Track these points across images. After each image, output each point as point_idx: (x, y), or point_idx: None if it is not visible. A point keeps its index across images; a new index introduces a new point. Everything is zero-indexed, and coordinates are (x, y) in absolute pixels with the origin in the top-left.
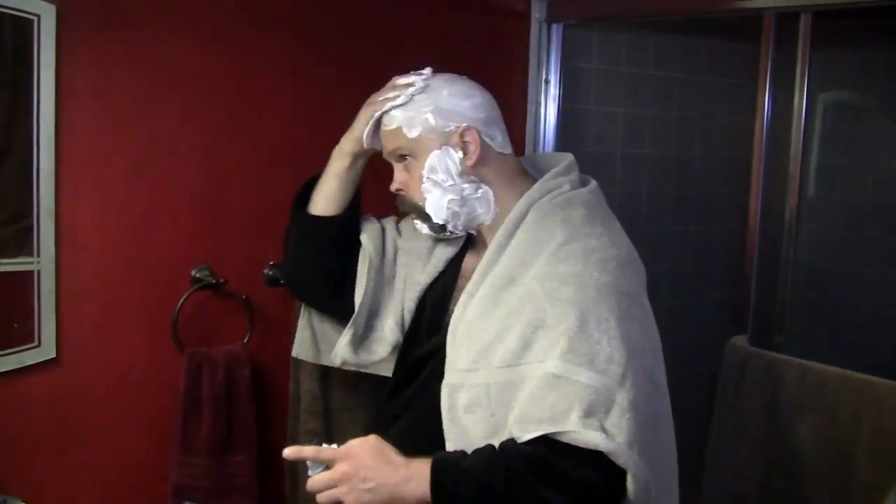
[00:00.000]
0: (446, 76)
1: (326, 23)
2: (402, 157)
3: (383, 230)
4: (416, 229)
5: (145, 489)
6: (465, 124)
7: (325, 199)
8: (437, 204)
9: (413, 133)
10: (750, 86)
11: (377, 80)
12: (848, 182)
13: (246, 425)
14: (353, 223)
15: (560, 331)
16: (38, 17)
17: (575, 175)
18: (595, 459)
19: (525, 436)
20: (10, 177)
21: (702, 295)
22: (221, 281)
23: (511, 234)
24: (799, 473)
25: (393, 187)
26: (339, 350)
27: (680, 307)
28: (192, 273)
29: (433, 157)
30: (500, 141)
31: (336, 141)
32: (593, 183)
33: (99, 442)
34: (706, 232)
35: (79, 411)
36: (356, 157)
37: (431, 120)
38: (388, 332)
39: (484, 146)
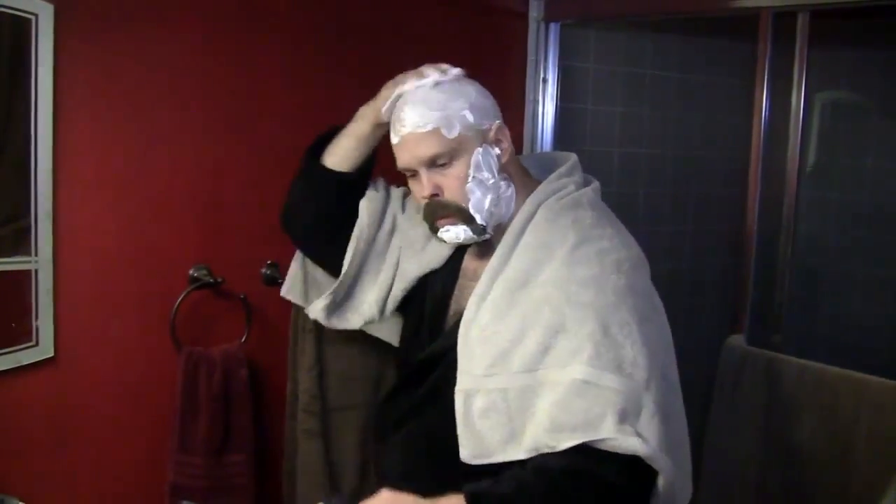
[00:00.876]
0: (454, 71)
1: (325, 22)
2: (436, 163)
3: (387, 200)
4: (416, 213)
5: (143, 488)
6: (497, 122)
7: (339, 155)
8: (481, 204)
9: (453, 133)
10: (747, 85)
11: (376, 79)
12: (845, 182)
13: (243, 425)
14: (360, 184)
15: (583, 336)
16: (36, 15)
17: (579, 175)
18: (631, 463)
19: (561, 444)
20: (8, 176)
21: (699, 294)
22: (219, 280)
23: (519, 236)
24: (797, 472)
25: (426, 193)
26: (313, 311)
27: (677, 307)
28: (190, 272)
29: (477, 155)
30: (510, 139)
31: None
32: (595, 183)
33: (96, 441)
34: (703, 231)
35: (76, 410)
36: (375, 125)
37: (470, 117)
38: (367, 306)
39: (509, 144)
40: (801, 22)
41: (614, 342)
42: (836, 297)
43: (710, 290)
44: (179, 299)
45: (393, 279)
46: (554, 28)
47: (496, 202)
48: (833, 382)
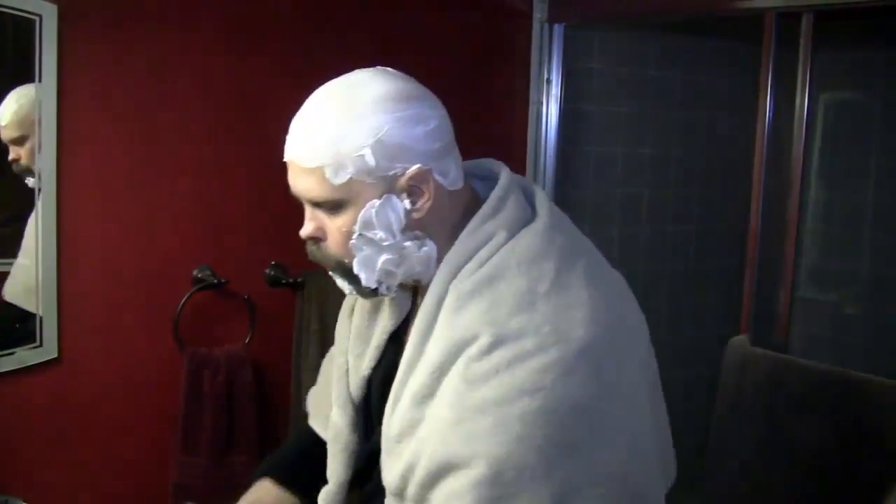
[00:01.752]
0: (389, 83)
1: (327, 22)
2: (319, 206)
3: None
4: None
5: (146, 489)
6: (417, 166)
7: None
8: (369, 265)
9: (341, 178)
10: (751, 86)
11: None
12: (849, 182)
13: (247, 425)
14: None
15: (468, 482)
16: (40, 17)
17: (513, 208)
18: None
19: None
20: (12, 175)
21: (703, 294)
22: (223, 281)
23: (432, 322)
24: (800, 474)
25: (304, 234)
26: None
27: (681, 307)
28: (194, 273)
29: (370, 211)
30: (453, 175)
31: None
32: (544, 208)
33: (100, 442)
34: (707, 232)
35: (80, 411)
36: None
37: (370, 160)
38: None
39: (436, 191)
40: (806, 22)
41: (505, 494)
42: (839, 298)
43: (713, 290)
44: (183, 300)
45: (348, 378)
46: (558, 29)
47: (398, 263)
48: (836, 383)
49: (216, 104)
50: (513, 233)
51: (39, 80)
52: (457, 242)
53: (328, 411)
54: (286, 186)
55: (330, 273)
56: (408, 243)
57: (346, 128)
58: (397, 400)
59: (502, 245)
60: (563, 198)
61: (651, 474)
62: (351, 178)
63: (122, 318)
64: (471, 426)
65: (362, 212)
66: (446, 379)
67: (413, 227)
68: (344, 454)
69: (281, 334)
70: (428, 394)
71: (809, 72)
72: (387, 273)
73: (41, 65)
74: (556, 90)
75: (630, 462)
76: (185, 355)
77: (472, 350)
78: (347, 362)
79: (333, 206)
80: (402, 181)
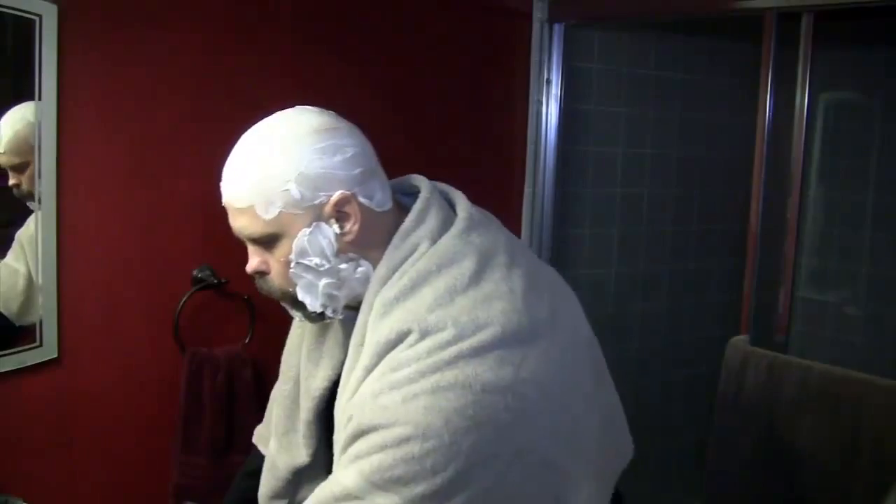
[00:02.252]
0: (304, 119)
1: (327, 22)
2: (257, 242)
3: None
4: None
5: (146, 489)
6: (339, 192)
7: None
8: (311, 291)
9: (271, 213)
10: (751, 86)
11: (380, 80)
12: (849, 182)
13: (247, 425)
14: None
15: (375, 442)
16: (40, 17)
17: (434, 218)
18: None
19: None
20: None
21: (703, 295)
22: (223, 281)
23: (364, 332)
24: (800, 474)
25: (249, 269)
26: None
27: (681, 307)
28: (194, 273)
29: (302, 239)
30: (379, 197)
31: None
32: (463, 212)
33: (100, 442)
34: (707, 231)
35: (80, 411)
36: None
37: (296, 192)
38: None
39: (364, 213)
40: (806, 22)
41: (408, 457)
42: (839, 298)
43: (713, 290)
44: (183, 300)
45: (301, 403)
46: (558, 29)
47: (338, 286)
48: (836, 383)
49: (217, 104)
50: (434, 241)
51: (39, 81)
52: (384, 258)
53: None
54: None
55: (281, 303)
56: (343, 266)
57: (270, 166)
58: (339, 410)
59: (421, 259)
60: (563, 198)
61: (579, 456)
62: (280, 211)
63: (123, 318)
64: (385, 399)
65: (295, 241)
66: (372, 374)
67: (346, 250)
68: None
69: (281, 334)
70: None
71: (809, 72)
72: (329, 297)
73: (41, 65)
74: (556, 90)
75: (551, 444)
76: (185, 355)
77: (400, 346)
78: (296, 389)
79: (269, 239)
80: (328, 208)
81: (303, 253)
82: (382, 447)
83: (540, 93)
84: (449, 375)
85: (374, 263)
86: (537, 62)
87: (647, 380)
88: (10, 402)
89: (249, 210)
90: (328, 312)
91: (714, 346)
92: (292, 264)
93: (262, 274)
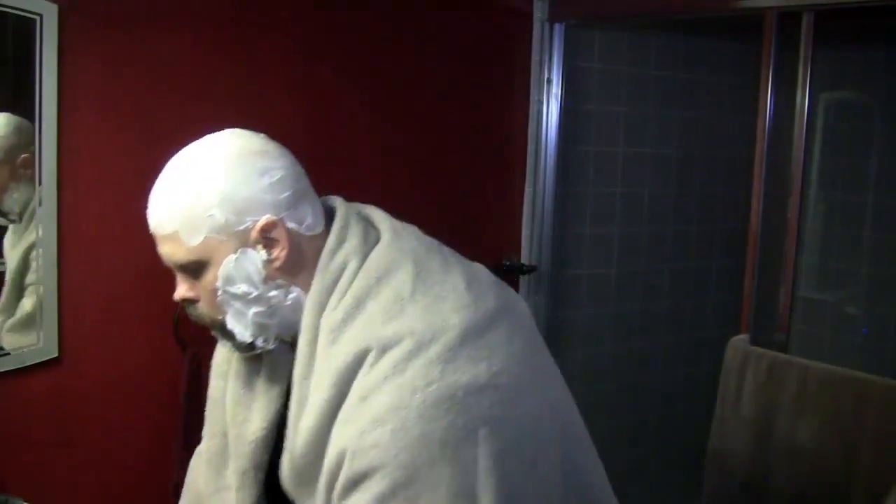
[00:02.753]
0: (231, 143)
1: (328, 23)
2: (185, 269)
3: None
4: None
5: (147, 488)
6: (265, 217)
7: None
8: (241, 320)
9: (196, 239)
10: (752, 85)
11: (379, 80)
12: (850, 181)
13: None
14: None
15: (378, 491)
16: (41, 16)
17: (357, 236)
18: None
19: None
20: None
21: (703, 294)
22: None
23: (309, 363)
24: (800, 473)
25: (177, 297)
26: None
27: (681, 306)
28: None
29: (228, 266)
30: (310, 221)
31: (333, 144)
32: (384, 224)
33: (101, 441)
34: (708, 231)
35: (81, 411)
36: None
37: (219, 217)
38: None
39: (293, 238)
40: (806, 22)
41: (416, 494)
42: (840, 297)
43: (714, 289)
44: None
45: (235, 448)
46: (558, 28)
47: (269, 314)
48: (837, 382)
49: (217, 103)
50: (364, 256)
51: (40, 80)
52: (314, 281)
53: None
54: None
55: (212, 332)
56: (273, 293)
57: (194, 191)
58: (292, 448)
59: (358, 269)
60: (564, 197)
61: (564, 422)
62: (206, 237)
63: (123, 318)
64: (373, 437)
65: (221, 268)
66: (346, 403)
67: (275, 276)
68: None
69: None
70: (325, 426)
71: (810, 71)
72: (260, 326)
73: (41, 64)
74: (556, 89)
75: (544, 425)
76: (185, 354)
77: (362, 369)
78: (223, 442)
79: (196, 266)
80: (255, 234)
81: (229, 280)
82: (386, 496)
83: (540, 92)
84: (430, 393)
85: (306, 289)
86: (538, 62)
87: (648, 378)
88: (11, 402)
89: (174, 236)
90: (259, 342)
91: (714, 346)
92: (219, 292)
93: (191, 301)
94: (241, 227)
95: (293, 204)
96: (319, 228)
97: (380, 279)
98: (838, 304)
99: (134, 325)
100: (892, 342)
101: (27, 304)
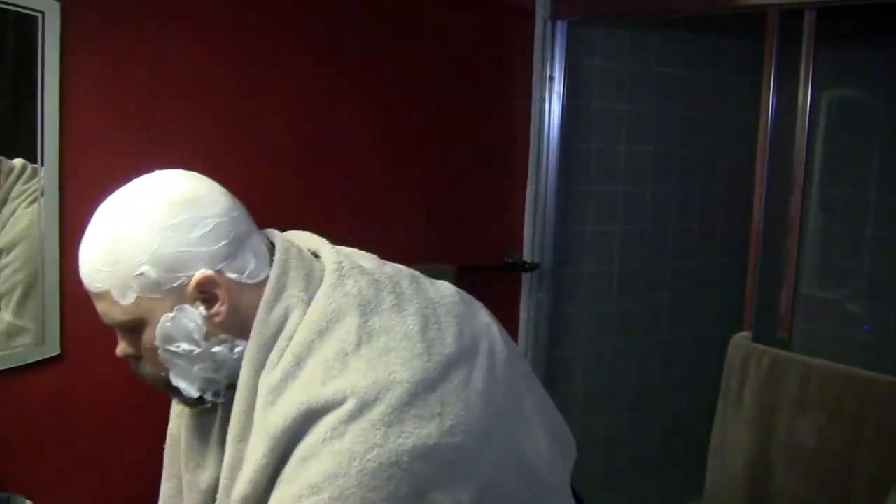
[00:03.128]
0: (159, 192)
1: (330, 21)
2: (122, 328)
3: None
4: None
5: (149, 486)
6: (200, 272)
7: None
8: (185, 376)
9: (128, 298)
10: (754, 83)
11: (381, 78)
12: (852, 179)
13: None
14: None
15: None
16: (43, 13)
17: (297, 278)
18: None
19: None
20: None
21: (705, 292)
22: None
23: (247, 425)
24: (802, 471)
25: (119, 354)
26: None
27: (683, 304)
28: None
29: (165, 325)
30: (252, 268)
31: (335, 141)
32: (329, 259)
33: (103, 439)
34: (710, 229)
35: (83, 408)
36: None
37: (152, 274)
38: None
39: (232, 291)
40: (808, 20)
41: None
42: (842, 295)
43: (716, 287)
44: None
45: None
46: (561, 26)
47: (216, 368)
48: (839, 380)
49: (218, 102)
50: (307, 303)
51: (42, 77)
52: (251, 338)
53: None
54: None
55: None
56: (217, 349)
57: (123, 249)
58: None
59: (299, 321)
60: (566, 195)
61: (533, 481)
62: (138, 296)
63: None
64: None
65: (158, 328)
66: (286, 467)
67: (216, 332)
68: None
69: None
70: (262, 491)
71: (812, 69)
72: (207, 381)
73: (44, 62)
74: (558, 87)
75: (504, 479)
76: None
77: (305, 432)
78: (180, 484)
79: (132, 326)
80: (190, 290)
81: (168, 339)
82: None
83: (543, 90)
84: (370, 459)
85: None
86: (540, 59)
87: (650, 376)
88: (13, 400)
89: (106, 295)
90: (208, 396)
91: (716, 343)
92: (159, 350)
93: (135, 357)
94: (175, 284)
95: (231, 253)
96: (264, 274)
97: (321, 332)
98: (840, 302)
99: None
100: (895, 340)
101: None
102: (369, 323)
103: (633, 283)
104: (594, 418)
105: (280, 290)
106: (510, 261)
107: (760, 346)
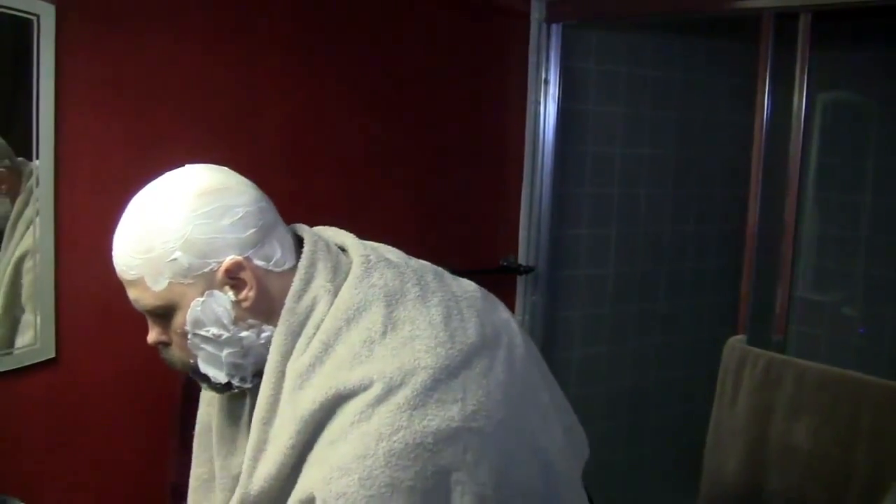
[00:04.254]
0: (189, 182)
1: (325, 21)
2: (154, 314)
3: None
4: None
5: (144, 489)
6: (230, 258)
7: None
8: (214, 361)
9: (160, 284)
10: (749, 86)
11: (377, 80)
12: (846, 182)
13: None
14: None
15: None
16: (38, 16)
17: (324, 269)
18: None
19: None
20: None
21: (700, 295)
22: None
23: (272, 409)
24: (797, 474)
25: (150, 341)
26: None
27: (678, 307)
28: None
29: (195, 310)
30: (279, 256)
31: (330, 145)
32: (356, 253)
33: (98, 441)
34: (705, 232)
35: (78, 411)
36: None
37: (183, 261)
38: None
39: (260, 277)
40: (803, 22)
41: None
42: (836, 298)
43: (711, 290)
44: None
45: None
46: (556, 28)
47: (243, 354)
48: (834, 383)
49: (214, 104)
50: (334, 293)
51: (37, 80)
52: (279, 325)
53: None
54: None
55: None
56: (244, 333)
57: (155, 236)
58: (245, 493)
59: (327, 310)
60: (561, 198)
61: (547, 474)
62: (170, 282)
63: (120, 318)
64: (339, 485)
65: (188, 312)
66: (314, 449)
67: (245, 317)
68: None
69: None
70: (288, 473)
71: (807, 72)
72: (235, 366)
73: (39, 65)
74: (553, 90)
75: (519, 470)
76: None
77: (333, 415)
78: (212, 471)
79: (163, 311)
80: (220, 275)
81: (198, 324)
82: None
83: (538, 93)
84: (397, 440)
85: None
86: (535, 62)
87: (645, 379)
88: (8, 403)
89: (139, 282)
90: (235, 382)
91: (711, 346)
92: (189, 335)
93: (165, 345)
94: (206, 270)
95: (259, 241)
96: (290, 263)
97: (349, 321)
98: (835, 305)
99: (131, 325)
100: (889, 343)
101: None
102: (395, 313)
103: (629, 286)
104: (589, 421)
105: (308, 281)
106: (505, 264)
107: (755, 350)
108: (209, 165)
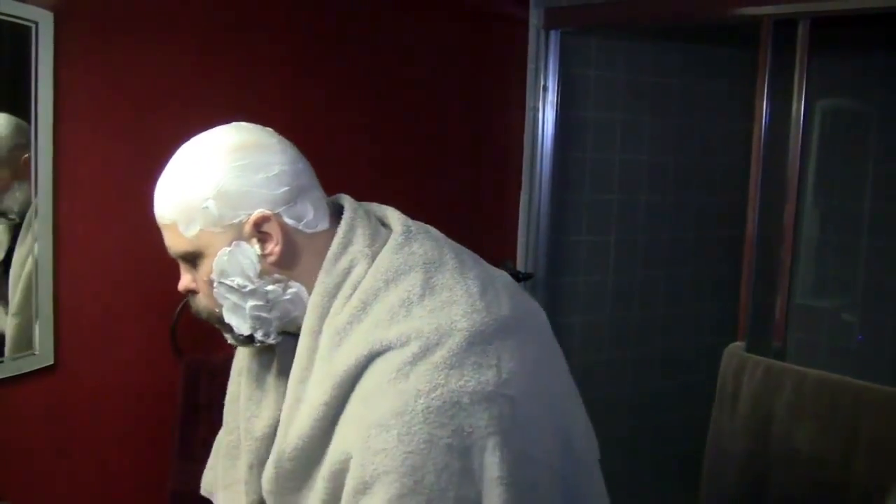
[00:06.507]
0: (230, 136)
1: (324, 28)
2: (185, 259)
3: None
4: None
5: (143, 496)
6: (259, 211)
7: None
8: (238, 312)
9: (192, 230)
10: (748, 93)
11: (376, 86)
12: (846, 189)
13: None
14: None
15: (386, 498)
16: (36, 24)
17: (364, 232)
18: None
19: None
20: None
21: (699, 301)
22: None
23: (309, 365)
24: (796, 481)
25: (180, 287)
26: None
27: (678, 314)
28: None
29: (222, 259)
30: (311, 218)
31: (331, 148)
32: (397, 224)
33: (96, 449)
34: (704, 238)
35: (76, 418)
36: None
37: (214, 209)
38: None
39: (289, 234)
40: (802, 30)
41: (429, 499)
42: (836, 304)
43: (710, 296)
44: (180, 306)
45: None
46: (554, 35)
47: (268, 308)
48: (833, 390)
49: (211, 110)
50: (371, 258)
51: (36, 87)
52: (317, 284)
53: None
54: None
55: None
56: (270, 287)
57: (191, 183)
58: (281, 451)
59: (365, 272)
60: (560, 204)
61: (574, 452)
62: (201, 229)
63: (119, 325)
64: (378, 442)
65: (215, 261)
66: (347, 407)
67: (270, 271)
68: None
69: None
70: (323, 430)
71: (806, 79)
72: (258, 319)
73: (37, 72)
74: (552, 97)
75: (550, 448)
76: (182, 362)
77: (366, 372)
78: (238, 435)
79: (192, 257)
80: (248, 227)
81: (223, 273)
82: (393, 502)
83: (536, 99)
84: (434, 398)
85: (308, 287)
86: (534, 69)
87: (644, 386)
88: (6, 410)
89: (173, 227)
90: (258, 335)
91: (711, 353)
92: (215, 284)
93: (194, 293)
94: (235, 221)
95: (291, 199)
96: (322, 227)
97: (388, 282)
98: (834, 312)
99: (130, 332)
100: (888, 349)
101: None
102: (433, 279)
103: (628, 293)
104: None
105: (346, 245)
106: (504, 271)
107: (754, 356)
108: (254, 125)
